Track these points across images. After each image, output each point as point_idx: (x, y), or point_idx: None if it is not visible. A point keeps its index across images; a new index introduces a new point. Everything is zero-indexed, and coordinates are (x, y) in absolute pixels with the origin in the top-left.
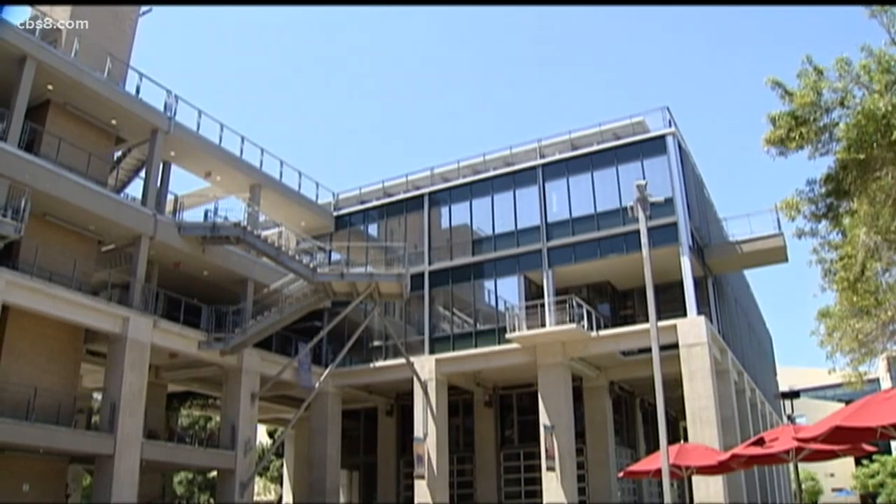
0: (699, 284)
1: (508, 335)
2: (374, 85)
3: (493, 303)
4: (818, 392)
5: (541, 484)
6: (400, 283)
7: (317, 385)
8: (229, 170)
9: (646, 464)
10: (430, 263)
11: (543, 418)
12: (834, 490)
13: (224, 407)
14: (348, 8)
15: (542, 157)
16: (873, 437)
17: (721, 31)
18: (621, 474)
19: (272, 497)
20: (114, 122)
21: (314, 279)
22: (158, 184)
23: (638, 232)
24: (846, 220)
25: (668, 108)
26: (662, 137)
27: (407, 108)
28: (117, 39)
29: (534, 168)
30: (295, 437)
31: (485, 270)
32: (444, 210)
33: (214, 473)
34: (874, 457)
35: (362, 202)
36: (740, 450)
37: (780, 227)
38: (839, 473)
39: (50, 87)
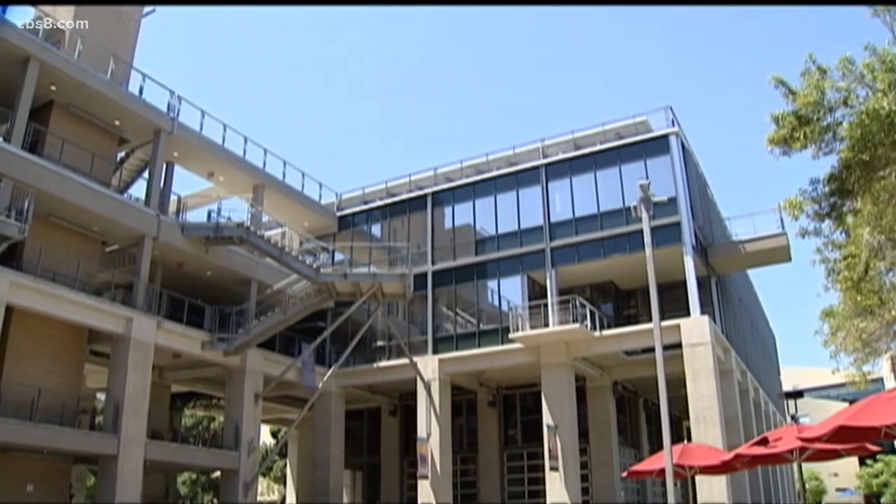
0: (702, 284)
1: (512, 335)
2: (375, 85)
3: (496, 303)
4: (822, 392)
5: (544, 484)
6: (403, 284)
7: (320, 385)
8: (232, 170)
9: (649, 464)
10: (433, 263)
11: (547, 418)
12: (838, 490)
13: (227, 407)
14: (348, 8)
15: (546, 156)
16: (877, 437)
17: (723, 30)
18: (625, 474)
19: (276, 497)
20: (117, 122)
21: (317, 279)
22: (162, 184)
23: (641, 232)
24: (850, 220)
25: (671, 108)
26: (665, 137)
27: (408, 109)
28: (120, 40)
29: (537, 168)
30: (298, 438)
31: (488, 270)
32: (448, 210)
33: (218, 474)
34: (878, 456)
35: (365, 202)
36: (744, 449)
37: (783, 227)
38: (843, 473)
39: (53, 87)
